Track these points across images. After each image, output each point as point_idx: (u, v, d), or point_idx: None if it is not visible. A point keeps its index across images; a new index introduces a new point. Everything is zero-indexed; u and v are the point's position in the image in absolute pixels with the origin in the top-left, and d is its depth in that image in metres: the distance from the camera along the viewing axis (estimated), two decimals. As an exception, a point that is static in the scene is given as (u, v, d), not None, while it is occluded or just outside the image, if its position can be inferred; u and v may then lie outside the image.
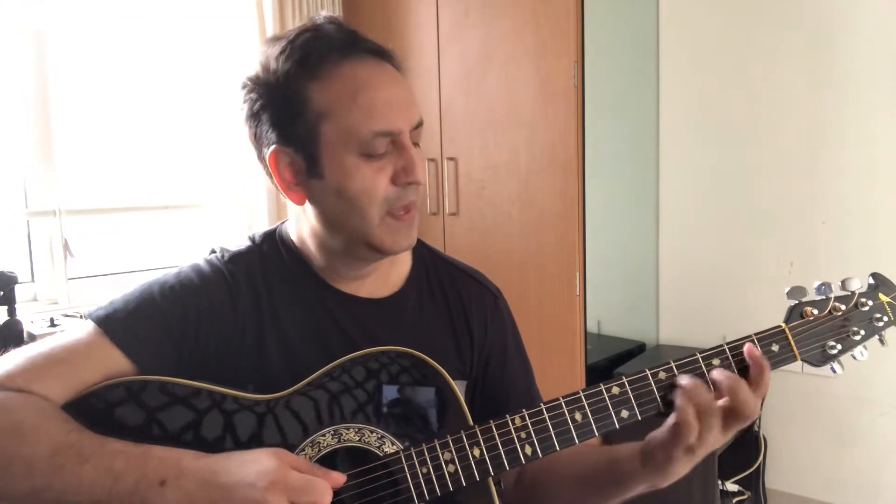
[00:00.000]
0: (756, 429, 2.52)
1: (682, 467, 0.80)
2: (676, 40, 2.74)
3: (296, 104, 0.82)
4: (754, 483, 2.51)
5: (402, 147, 0.83)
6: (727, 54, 2.60)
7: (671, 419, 0.80)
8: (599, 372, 2.53)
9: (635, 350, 2.81)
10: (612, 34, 2.84)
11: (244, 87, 0.86)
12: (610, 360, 2.66)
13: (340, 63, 0.82)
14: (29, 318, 2.04)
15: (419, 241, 1.01)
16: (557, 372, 2.34)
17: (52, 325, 2.03)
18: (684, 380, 0.80)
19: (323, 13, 0.87)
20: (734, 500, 2.44)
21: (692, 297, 2.78)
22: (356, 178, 0.82)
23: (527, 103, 2.36)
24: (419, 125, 0.86)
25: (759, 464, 2.50)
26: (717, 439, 0.79)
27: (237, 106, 0.88)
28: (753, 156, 2.57)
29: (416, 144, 0.85)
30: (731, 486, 2.47)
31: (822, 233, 2.44)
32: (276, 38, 0.85)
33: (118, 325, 0.81)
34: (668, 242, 2.84)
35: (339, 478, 0.73)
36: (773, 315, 0.88)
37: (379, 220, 0.84)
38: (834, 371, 0.86)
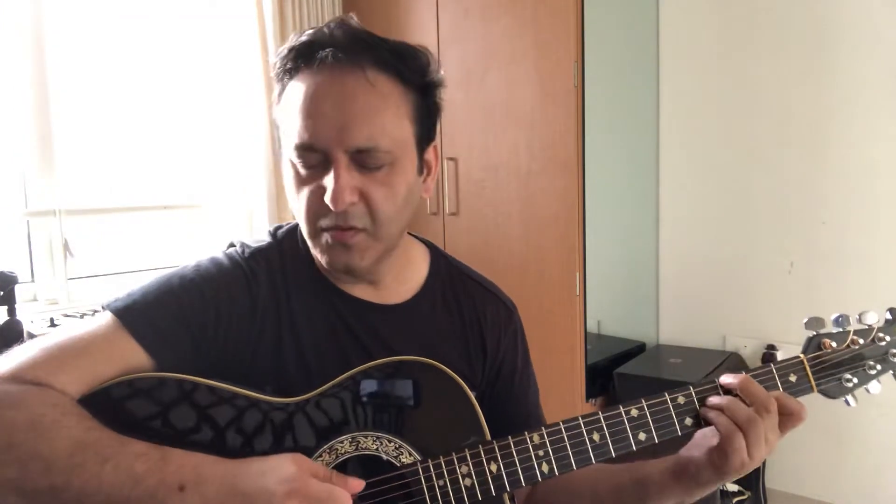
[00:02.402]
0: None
1: (727, 481, 0.81)
2: (676, 40, 2.74)
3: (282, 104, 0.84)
4: (754, 483, 2.51)
5: (328, 167, 0.79)
6: (727, 54, 2.60)
7: (711, 440, 0.80)
8: (599, 372, 2.52)
9: (635, 350, 2.80)
10: (612, 34, 2.84)
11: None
12: (610, 360, 2.65)
13: (301, 73, 0.80)
14: (29, 318, 2.04)
15: (436, 249, 1.00)
16: (557, 372, 2.33)
17: (52, 325, 2.03)
18: (717, 399, 0.80)
19: (340, 16, 0.87)
20: (734, 500, 2.44)
21: (692, 297, 2.78)
22: (289, 189, 0.84)
23: (527, 103, 2.36)
24: (368, 150, 0.78)
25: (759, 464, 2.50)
26: (765, 449, 0.79)
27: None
28: (753, 155, 2.57)
29: (376, 168, 0.80)
30: (731, 486, 2.47)
31: (823, 233, 2.43)
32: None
33: (137, 317, 0.78)
34: (668, 242, 2.84)
35: (358, 485, 0.72)
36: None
37: (314, 234, 0.83)
38: (848, 404, 0.86)
